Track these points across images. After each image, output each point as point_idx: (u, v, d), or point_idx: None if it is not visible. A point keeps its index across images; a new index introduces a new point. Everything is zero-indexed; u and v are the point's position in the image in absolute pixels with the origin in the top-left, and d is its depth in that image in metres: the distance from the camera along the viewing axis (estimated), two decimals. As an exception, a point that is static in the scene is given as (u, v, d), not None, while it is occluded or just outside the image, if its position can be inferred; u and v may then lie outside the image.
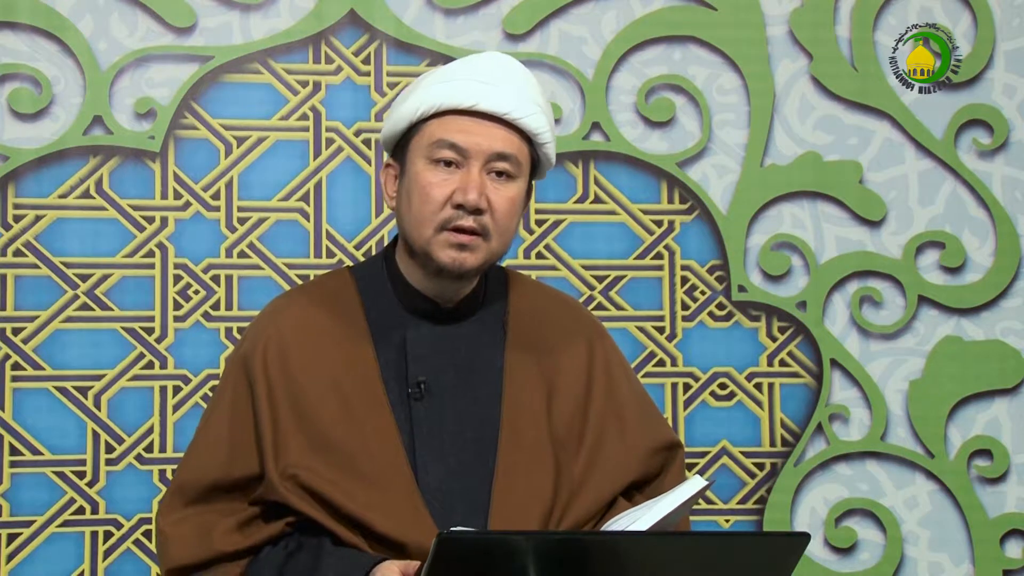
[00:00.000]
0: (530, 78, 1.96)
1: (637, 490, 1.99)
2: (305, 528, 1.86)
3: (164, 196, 2.90)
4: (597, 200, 3.03)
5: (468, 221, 1.87)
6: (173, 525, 1.90)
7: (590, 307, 2.99)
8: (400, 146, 1.94)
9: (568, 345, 2.01)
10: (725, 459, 3.04)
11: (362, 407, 1.89)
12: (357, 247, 2.93)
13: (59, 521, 2.81)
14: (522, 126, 1.90)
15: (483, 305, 1.97)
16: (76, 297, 2.84)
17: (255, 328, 1.97)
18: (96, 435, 2.83)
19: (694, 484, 1.77)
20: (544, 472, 1.90)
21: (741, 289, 3.06)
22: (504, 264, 2.93)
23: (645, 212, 3.05)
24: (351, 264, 2.09)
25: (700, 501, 3.01)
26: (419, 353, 1.92)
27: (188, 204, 2.90)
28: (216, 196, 2.91)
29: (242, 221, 2.92)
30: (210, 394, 2.82)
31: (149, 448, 2.85)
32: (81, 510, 2.82)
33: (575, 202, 3.03)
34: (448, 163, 1.88)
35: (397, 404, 1.90)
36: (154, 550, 2.79)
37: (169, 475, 2.83)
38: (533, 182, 2.00)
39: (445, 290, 1.94)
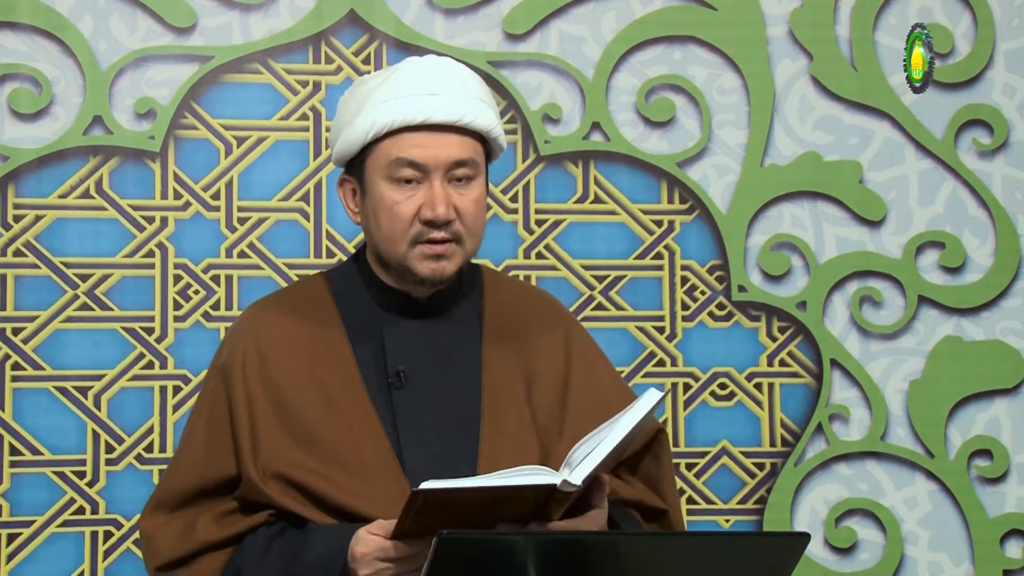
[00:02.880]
0: (472, 76, 1.97)
1: (623, 465, 1.99)
2: (290, 520, 1.88)
3: (164, 196, 2.90)
4: (597, 200, 3.03)
5: (440, 233, 1.90)
6: (157, 527, 1.93)
7: (590, 307, 2.99)
8: (355, 163, 1.95)
9: (545, 333, 2.03)
10: (725, 459, 3.04)
11: (343, 400, 1.91)
12: (357, 247, 2.93)
13: (59, 521, 2.81)
14: (474, 128, 1.92)
15: (458, 299, 1.99)
16: (76, 297, 2.84)
17: (232, 338, 1.99)
18: (96, 435, 2.83)
19: (650, 397, 1.78)
20: (528, 453, 1.90)
21: (741, 289, 3.06)
22: (504, 264, 2.94)
23: (645, 212, 3.05)
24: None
25: (700, 501, 3.02)
26: (397, 345, 1.94)
27: (188, 204, 2.90)
28: (216, 196, 2.91)
29: (242, 221, 2.92)
30: (210, 394, 2.82)
31: (149, 448, 2.85)
32: (81, 510, 2.82)
33: (575, 202, 3.03)
34: (409, 180, 1.90)
35: (377, 395, 1.92)
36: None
37: (169, 475, 2.83)
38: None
39: (420, 286, 1.96)
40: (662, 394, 1.79)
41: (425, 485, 1.64)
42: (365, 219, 1.96)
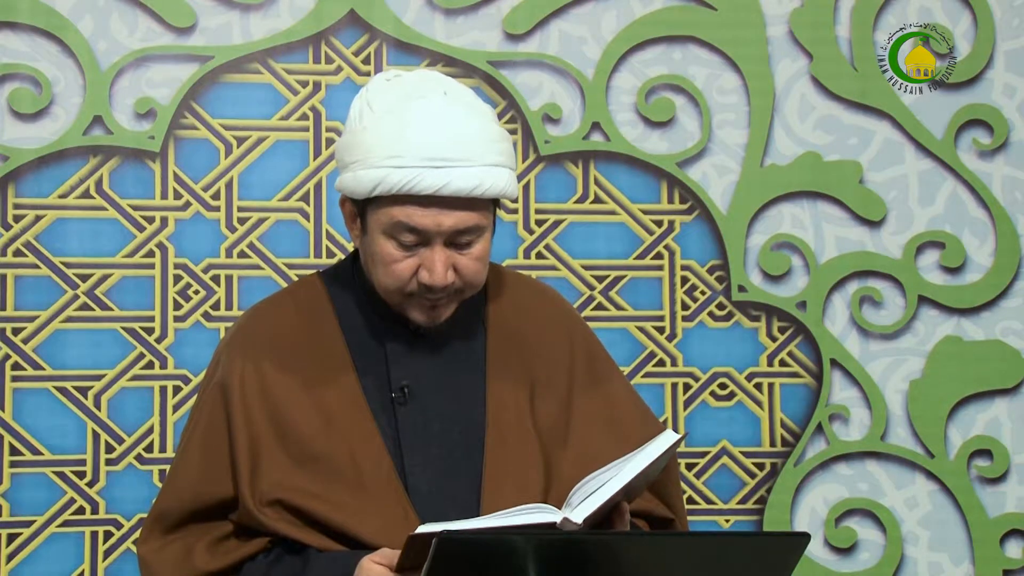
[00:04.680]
0: (490, 135, 1.84)
1: None
2: (288, 546, 1.85)
3: (164, 196, 2.90)
4: (597, 200, 3.03)
5: (437, 294, 1.85)
6: (155, 552, 1.89)
7: (590, 307, 2.99)
8: (358, 200, 1.87)
9: (548, 336, 1.99)
10: (725, 459, 3.04)
11: (344, 417, 1.87)
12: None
13: (59, 521, 2.81)
14: (488, 196, 1.83)
15: (461, 305, 1.93)
16: (76, 297, 2.84)
17: (229, 350, 1.94)
18: (96, 435, 2.83)
19: (667, 438, 1.74)
20: (533, 470, 1.89)
21: (741, 289, 3.06)
22: (504, 264, 2.93)
23: (645, 212, 3.05)
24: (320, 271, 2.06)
25: (700, 501, 3.02)
26: (399, 357, 1.91)
27: (188, 204, 2.90)
28: (216, 196, 2.91)
29: (242, 221, 2.92)
30: (210, 394, 2.82)
31: (149, 448, 2.85)
32: (81, 510, 2.82)
33: (575, 202, 3.03)
34: (409, 244, 1.83)
35: (379, 410, 1.88)
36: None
37: (169, 475, 2.83)
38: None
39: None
40: (679, 436, 1.75)
41: (421, 529, 1.63)
42: (363, 253, 1.91)
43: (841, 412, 3.07)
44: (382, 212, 1.83)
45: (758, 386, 3.06)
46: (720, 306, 3.06)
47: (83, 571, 2.81)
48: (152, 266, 2.88)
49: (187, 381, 2.87)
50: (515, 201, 2.98)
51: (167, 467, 2.81)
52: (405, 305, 1.88)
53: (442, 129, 1.81)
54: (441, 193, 1.80)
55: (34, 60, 2.87)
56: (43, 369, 2.83)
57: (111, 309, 2.85)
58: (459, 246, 1.84)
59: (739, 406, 3.05)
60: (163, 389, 2.86)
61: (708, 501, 3.03)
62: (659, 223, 3.05)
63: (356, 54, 2.98)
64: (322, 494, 1.83)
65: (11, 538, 2.80)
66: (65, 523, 2.81)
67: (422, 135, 1.80)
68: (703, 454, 3.03)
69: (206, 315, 2.88)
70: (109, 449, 2.83)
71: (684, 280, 3.05)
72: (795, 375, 3.07)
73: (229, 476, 1.87)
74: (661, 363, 3.03)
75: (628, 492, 1.74)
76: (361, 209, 1.88)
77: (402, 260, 1.84)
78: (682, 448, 3.00)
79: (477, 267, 1.87)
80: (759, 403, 3.06)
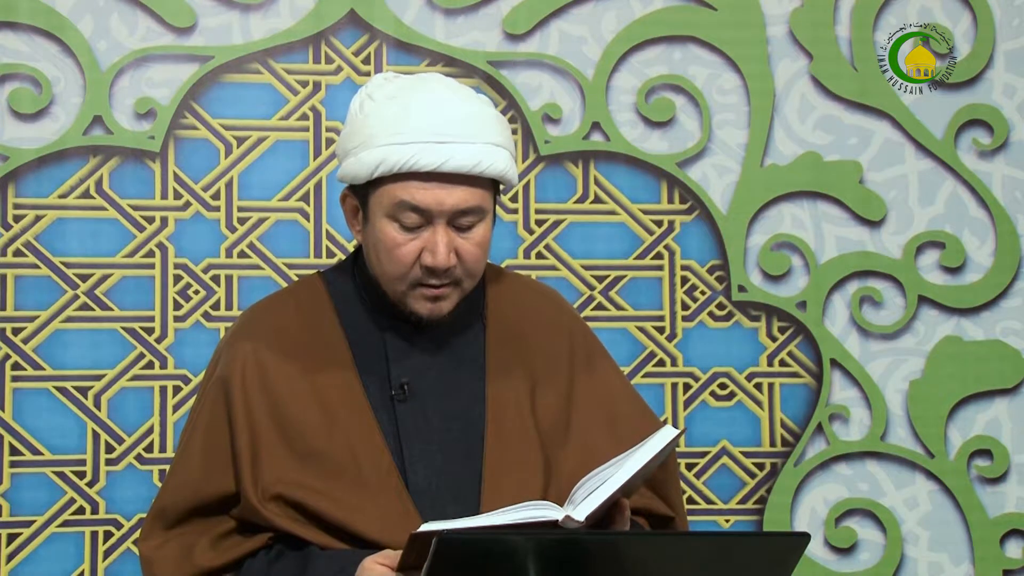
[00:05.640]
0: (489, 116, 1.88)
1: None
2: (289, 542, 1.85)
3: (164, 196, 2.90)
4: (597, 200, 3.03)
5: (439, 280, 1.87)
6: (156, 549, 1.90)
7: (590, 307, 2.99)
8: (359, 188, 1.90)
9: (548, 335, 2.00)
10: (725, 459, 3.04)
11: (345, 413, 1.88)
12: (356, 246, 2.93)
13: (59, 521, 2.81)
14: (487, 175, 1.86)
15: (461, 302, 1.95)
16: (76, 297, 2.84)
17: (230, 347, 1.95)
18: (96, 435, 2.83)
19: (667, 433, 1.74)
20: (532, 467, 1.89)
21: (741, 289, 3.06)
22: (503, 264, 2.94)
23: (645, 212, 3.05)
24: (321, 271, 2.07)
25: (700, 501, 3.02)
26: (399, 354, 1.92)
27: (188, 204, 2.90)
28: (216, 196, 2.91)
29: (242, 221, 2.92)
30: (210, 394, 2.82)
31: (149, 448, 2.85)
32: (81, 510, 2.82)
33: (575, 202, 3.03)
34: (412, 224, 1.85)
35: (380, 407, 1.89)
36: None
37: (169, 475, 2.83)
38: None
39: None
40: (678, 432, 1.75)
41: (425, 527, 1.63)
42: (365, 245, 1.93)
43: (841, 412, 3.07)
44: (384, 193, 1.85)
45: (758, 386, 3.06)
46: (720, 306, 3.06)
47: (83, 571, 2.81)
48: (152, 266, 2.88)
49: (187, 381, 2.87)
50: (514, 200, 2.98)
51: (167, 467, 2.81)
52: (407, 296, 1.89)
53: (443, 109, 1.85)
54: (442, 169, 1.82)
55: (34, 60, 2.87)
56: (43, 369, 2.83)
57: (111, 309, 2.85)
58: (461, 228, 1.86)
59: (739, 406, 3.05)
60: (163, 389, 2.86)
61: (708, 501, 3.03)
62: (659, 223, 3.05)
63: (356, 54, 2.98)
64: (323, 490, 1.84)
65: (11, 538, 2.80)
66: (65, 523, 2.81)
67: (424, 115, 1.84)
68: (703, 454, 3.03)
69: (206, 315, 2.88)
70: (109, 449, 2.83)
71: (684, 280, 3.05)
72: (795, 375, 3.07)
73: (230, 471, 1.88)
74: (661, 363, 3.03)
75: (626, 488, 1.74)
76: (363, 197, 1.90)
77: (405, 244, 1.86)
78: (682, 448, 3.00)
79: (478, 253, 1.88)
80: (759, 403, 3.06)
